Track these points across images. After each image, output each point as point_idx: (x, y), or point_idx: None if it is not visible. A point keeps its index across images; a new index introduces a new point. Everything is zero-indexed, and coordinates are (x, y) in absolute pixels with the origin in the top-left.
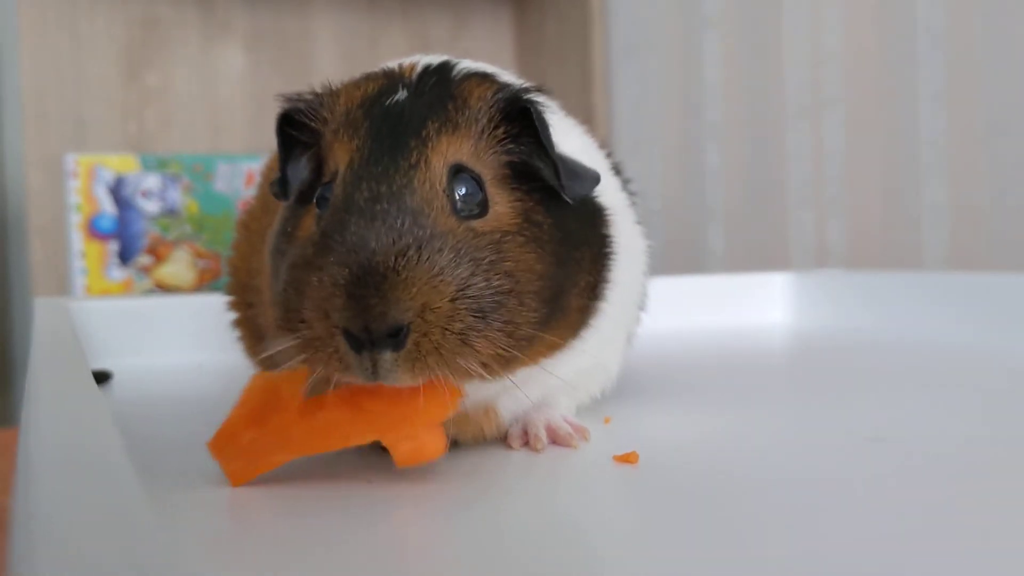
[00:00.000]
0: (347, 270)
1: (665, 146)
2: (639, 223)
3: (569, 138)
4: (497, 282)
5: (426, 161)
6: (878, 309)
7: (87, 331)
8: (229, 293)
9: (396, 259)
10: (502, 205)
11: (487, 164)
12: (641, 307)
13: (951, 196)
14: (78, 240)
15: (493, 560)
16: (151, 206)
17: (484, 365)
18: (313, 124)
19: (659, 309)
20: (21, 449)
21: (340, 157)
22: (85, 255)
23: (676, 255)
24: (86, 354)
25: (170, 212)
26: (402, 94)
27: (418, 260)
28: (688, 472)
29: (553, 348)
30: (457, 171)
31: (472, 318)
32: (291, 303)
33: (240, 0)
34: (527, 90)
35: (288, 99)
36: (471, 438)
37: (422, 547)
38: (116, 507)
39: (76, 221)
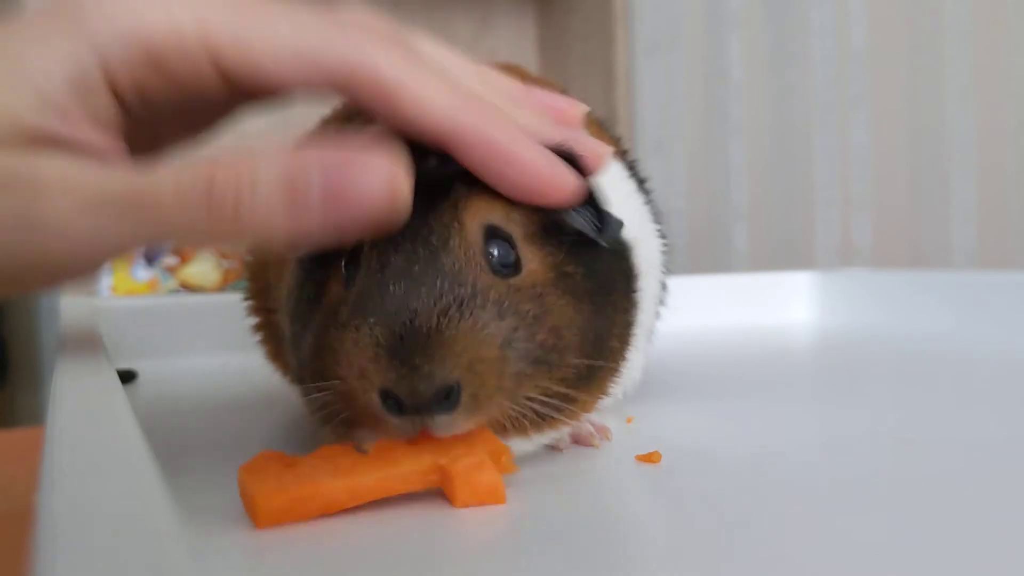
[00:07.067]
0: (388, 331)
1: (689, 145)
2: (654, 221)
3: None
4: (542, 336)
5: (459, 222)
6: (904, 308)
7: (113, 331)
8: (248, 298)
9: (439, 318)
10: (534, 262)
11: (517, 223)
12: (661, 302)
13: (979, 193)
14: None
15: (515, 558)
16: None
17: (544, 403)
18: None
19: (683, 308)
20: (46, 447)
21: None
22: None
23: (701, 254)
24: (112, 353)
25: None
26: (434, 159)
27: (461, 317)
28: (711, 472)
29: (605, 387)
30: (490, 233)
31: (523, 363)
32: (322, 363)
33: None
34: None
35: None
36: None
37: (444, 542)
38: (138, 507)
39: None
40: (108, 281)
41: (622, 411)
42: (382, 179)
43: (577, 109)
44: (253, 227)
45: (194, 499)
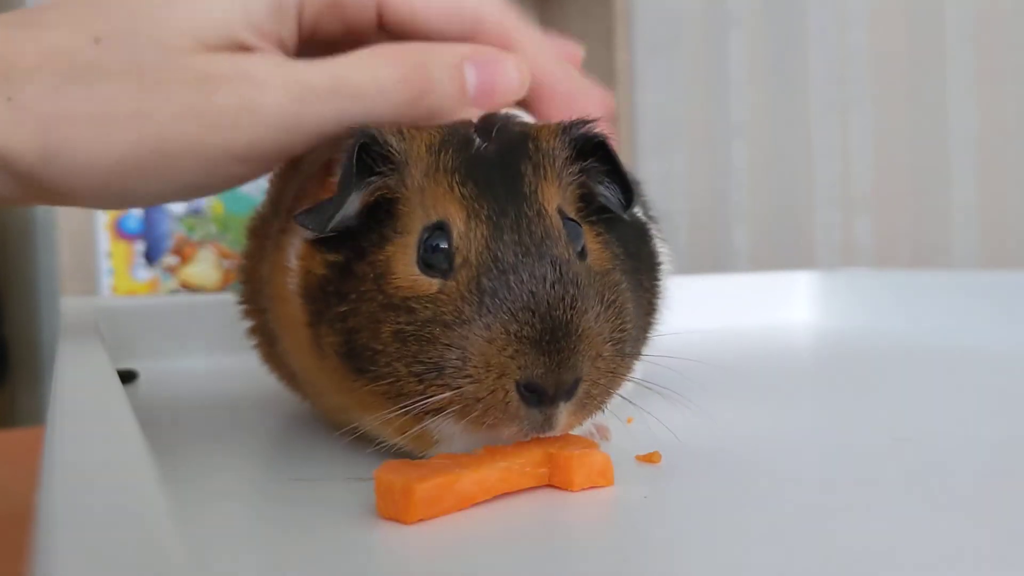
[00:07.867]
0: (528, 326)
1: (690, 145)
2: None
3: None
4: (628, 323)
5: (544, 209)
6: (905, 309)
7: (113, 331)
8: (243, 300)
9: (567, 311)
10: (591, 242)
11: (569, 204)
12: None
13: (981, 193)
14: (105, 240)
15: (513, 558)
16: (177, 206)
17: (608, 401)
18: (395, 158)
19: (683, 308)
20: (46, 447)
21: (442, 205)
22: (112, 255)
23: (701, 254)
24: (112, 353)
25: (195, 212)
26: (479, 140)
27: (585, 311)
28: (711, 472)
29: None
30: (562, 216)
31: (619, 359)
32: (441, 360)
33: None
34: (591, 123)
35: (363, 130)
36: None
37: (437, 544)
38: (138, 507)
39: (103, 222)
40: (108, 281)
41: (622, 411)
42: (517, 68)
43: (579, 50)
44: (434, 106)
45: (193, 498)
